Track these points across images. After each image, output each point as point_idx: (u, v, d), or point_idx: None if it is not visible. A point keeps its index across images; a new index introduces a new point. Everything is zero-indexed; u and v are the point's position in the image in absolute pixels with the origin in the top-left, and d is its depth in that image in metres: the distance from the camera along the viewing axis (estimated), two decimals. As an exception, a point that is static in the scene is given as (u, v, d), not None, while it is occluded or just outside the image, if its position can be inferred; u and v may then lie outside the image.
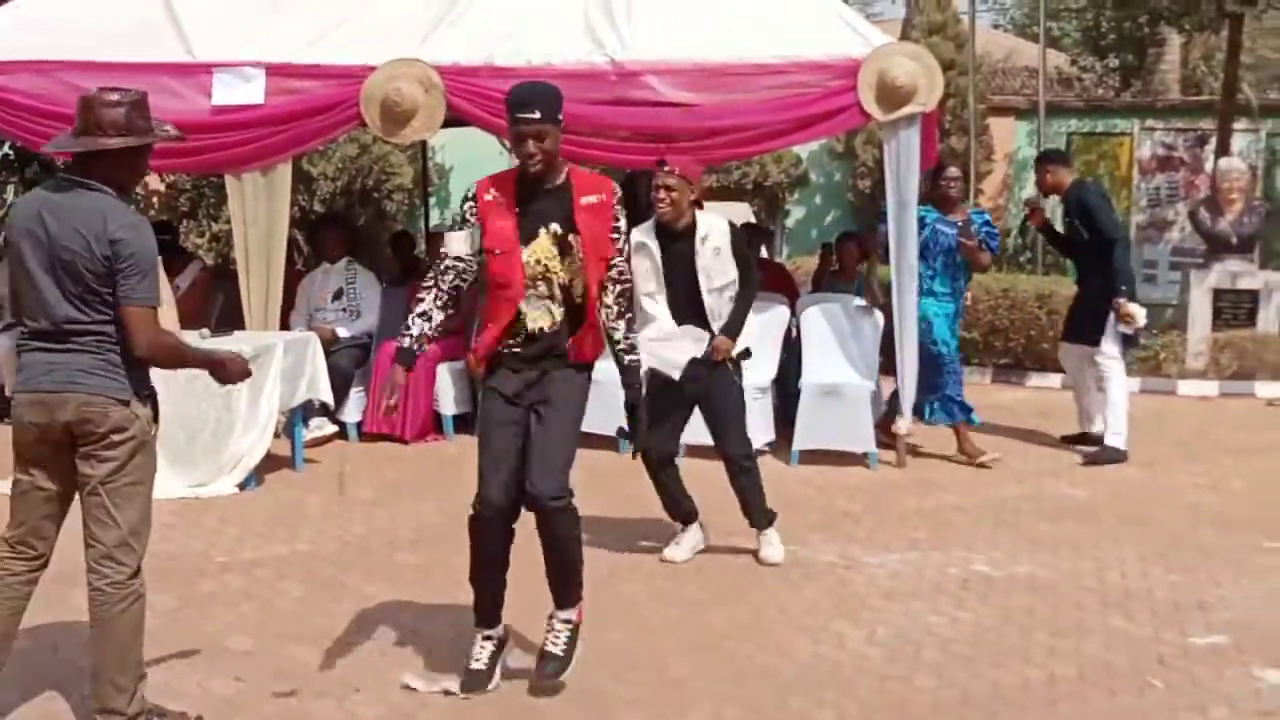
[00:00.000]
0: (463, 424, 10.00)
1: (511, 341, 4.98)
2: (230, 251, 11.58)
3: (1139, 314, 9.21)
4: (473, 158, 17.71)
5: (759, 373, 9.32)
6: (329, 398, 9.03)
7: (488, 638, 5.10)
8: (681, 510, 6.84)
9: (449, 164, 18.67)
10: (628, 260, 5.09)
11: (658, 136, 9.37)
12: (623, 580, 6.42)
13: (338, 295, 10.18)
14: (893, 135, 8.85)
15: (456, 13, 9.40)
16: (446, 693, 4.99)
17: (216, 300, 10.59)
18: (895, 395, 9.17)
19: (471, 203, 4.91)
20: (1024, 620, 5.93)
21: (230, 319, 9.62)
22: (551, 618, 5.10)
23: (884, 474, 8.82)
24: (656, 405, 6.22)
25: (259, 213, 9.25)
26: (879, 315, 9.48)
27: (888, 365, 9.51)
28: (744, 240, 6.77)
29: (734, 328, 6.62)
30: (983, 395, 12.43)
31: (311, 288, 10.30)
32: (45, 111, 9.31)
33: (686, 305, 6.58)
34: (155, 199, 18.69)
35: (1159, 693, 5.13)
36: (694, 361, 6.57)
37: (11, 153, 15.28)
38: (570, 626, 5.08)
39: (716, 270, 6.56)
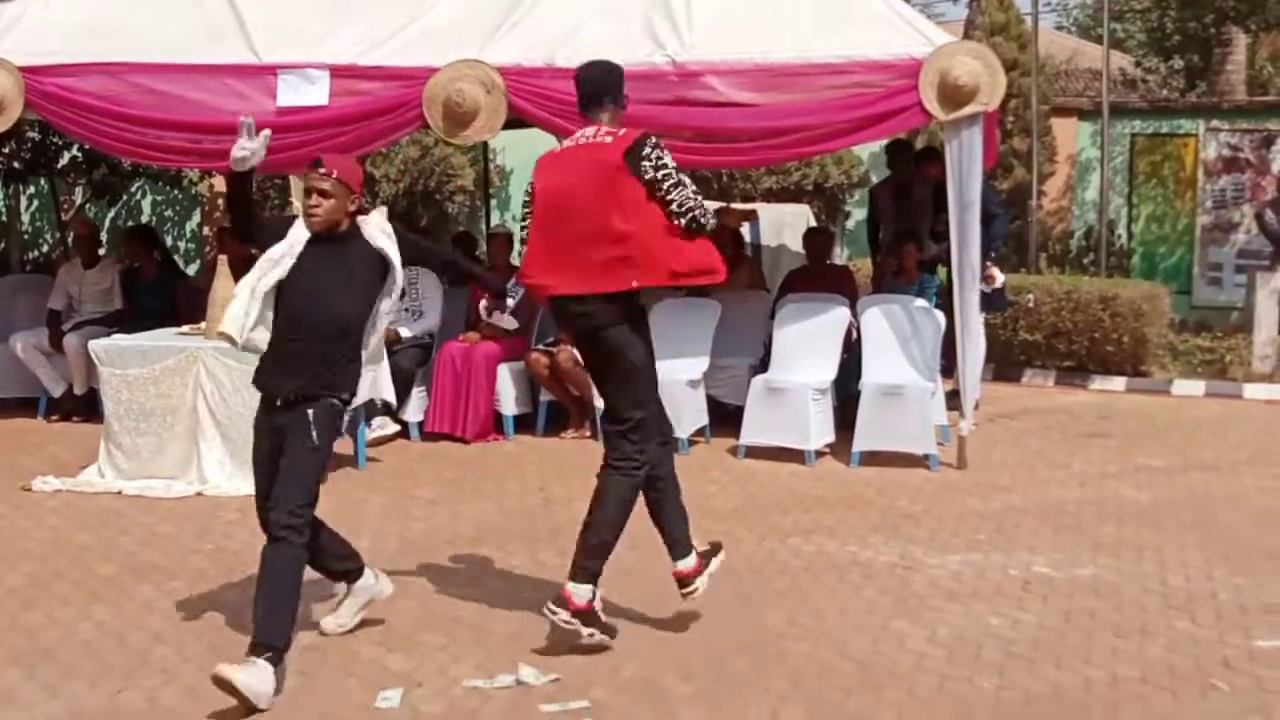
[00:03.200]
0: (523, 424, 10.06)
1: None
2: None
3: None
4: (533, 159, 17.77)
5: (819, 374, 9.33)
6: (391, 397, 9.09)
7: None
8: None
9: (510, 166, 18.72)
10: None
11: (720, 137, 9.40)
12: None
13: (400, 295, 10.23)
14: (955, 135, 8.82)
15: (518, 14, 9.46)
16: (519, 682, 5.06)
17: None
18: None
19: None
20: (1086, 622, 5.89)
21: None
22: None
23: (945, 475, 8.79)
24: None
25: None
26: (940, 316, 9.44)
27: (948, 366, 9.50)
28: (416, 244, 5.82)
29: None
30: (1046, 398, 12.40)
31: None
32: (114, 113, 9.46)
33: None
34: (220, 200, 18.89)
35: (1223, 695, 5.08)
36: None
37: (80, 154, 15.48)
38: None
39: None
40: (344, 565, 5.66)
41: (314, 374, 5.17)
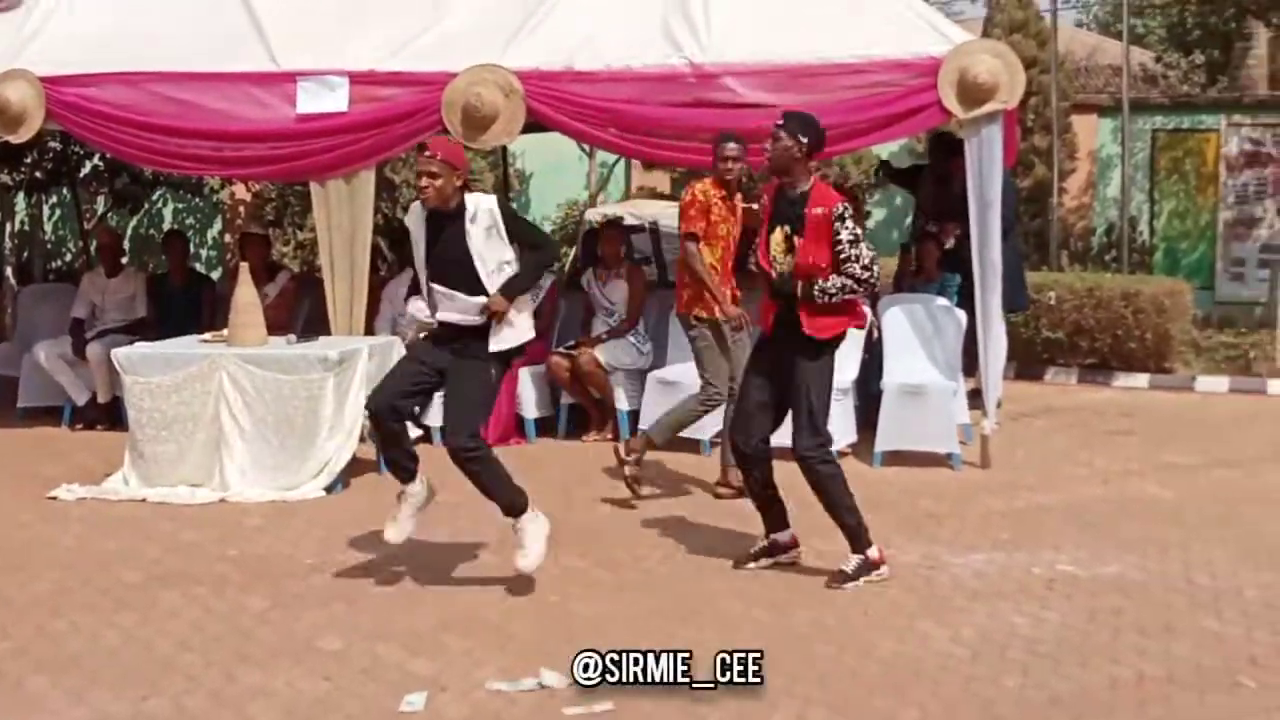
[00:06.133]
0: (544, 427, 10.06)
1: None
2: (316, 259, 11.73)
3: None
4: (552, 163, 17.83)
5: (841, 374, 9.29)
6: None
7: None
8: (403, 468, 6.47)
9: (529, 170, 18.76)
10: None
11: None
12: (708, 580, 6.43)
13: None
14: (974, 133, 8.80)
15: (536, 19, 9.46)
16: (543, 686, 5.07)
17: (303, 306, 10.72)
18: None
19: None
20: (1112, 621, 5.87)
21: (316, 324, 9.73)
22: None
23: (967, 475, 8.76)
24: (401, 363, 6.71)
25: (343, 220, 9.35)
26: (962, 315, 9.41)
27: (969, 365, 9.47)
28: (515, 215, 6.45)
29: (511, 288, 6.21)
30: (1069, 396, 12.37)
31: (395, 293, 10.38)
32: (134, 122, 9.51)
33: (466, 291, 6.23)
34: (241, 208, 18.96)
35: (1251, 692, 5.06)
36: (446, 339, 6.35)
37: (101, 164, 15.55)
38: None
39: (490, 251, 6.21)
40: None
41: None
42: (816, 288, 6.22)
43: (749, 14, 9.23)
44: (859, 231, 6.31)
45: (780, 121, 6.44)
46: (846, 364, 9.41)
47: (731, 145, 7.97)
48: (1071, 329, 13.20)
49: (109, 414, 10.26)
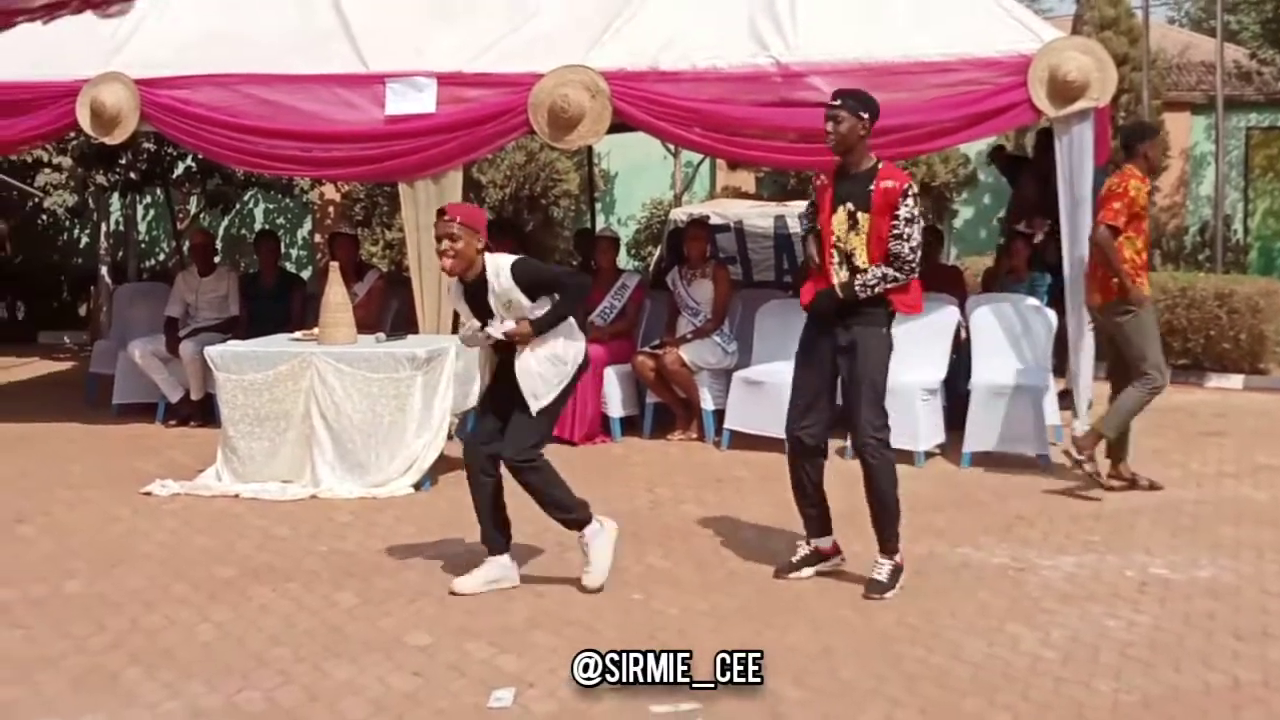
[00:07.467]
0: (630, 426, 10.08)
1: None
2: (404, 258, 11.83)
3: None
4: (637, 163, 17.87)
5: (928, 374, 9.24)
6: (499, 401, 9.14)
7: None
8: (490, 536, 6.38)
9: (614, 170, 18.81)
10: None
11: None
12: (793, 581, 6.40)
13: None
14: (1065, 131, 8.72)
15: (622, 19, 9.49)
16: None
17: (391, 305, 10.82)
18: None
19: None
20: (1205, 624, 5.78)
21: (404, 323, 9.83)
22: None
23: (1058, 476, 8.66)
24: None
25: (431, 220, 9.41)
26: (1052, 314, 9.31)
27: (1059, 365, 9.37)
28: (533, 268, 6.13)
29: (542, 323, 6.05)
30: (1160, 397, 12.14)
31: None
32: (226, 123, 9.65)
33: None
34: (331, 208, 19.16)
35: (1349, 700, 4.97)
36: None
37: (194, 165, 15.77)
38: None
39: (513, 315, 6.09)
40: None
41: None
42: (858, 283, 6.09)
43: (836, 12, 9.20)
44: (918, 213, 6.12)
45: (837, 102, 6.16)
46: (934, 364, 9.37)
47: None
48: (1164, 329, 12.94)
49: (202, 411, 10.42)
